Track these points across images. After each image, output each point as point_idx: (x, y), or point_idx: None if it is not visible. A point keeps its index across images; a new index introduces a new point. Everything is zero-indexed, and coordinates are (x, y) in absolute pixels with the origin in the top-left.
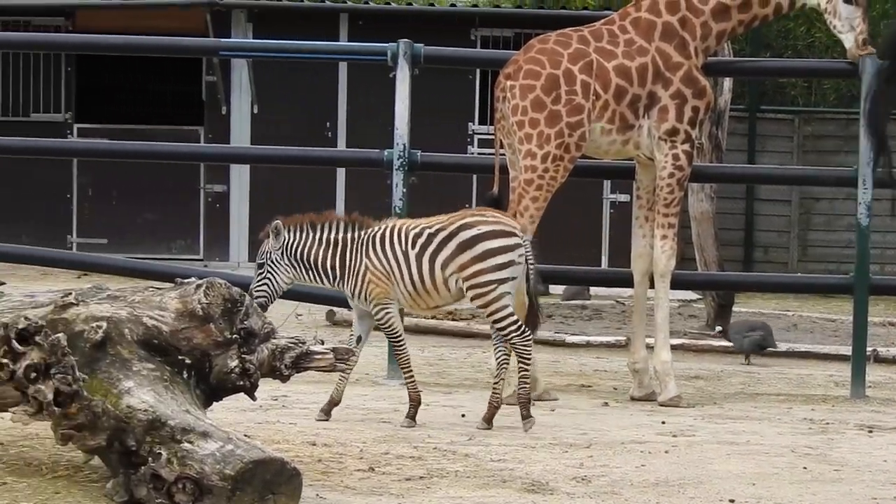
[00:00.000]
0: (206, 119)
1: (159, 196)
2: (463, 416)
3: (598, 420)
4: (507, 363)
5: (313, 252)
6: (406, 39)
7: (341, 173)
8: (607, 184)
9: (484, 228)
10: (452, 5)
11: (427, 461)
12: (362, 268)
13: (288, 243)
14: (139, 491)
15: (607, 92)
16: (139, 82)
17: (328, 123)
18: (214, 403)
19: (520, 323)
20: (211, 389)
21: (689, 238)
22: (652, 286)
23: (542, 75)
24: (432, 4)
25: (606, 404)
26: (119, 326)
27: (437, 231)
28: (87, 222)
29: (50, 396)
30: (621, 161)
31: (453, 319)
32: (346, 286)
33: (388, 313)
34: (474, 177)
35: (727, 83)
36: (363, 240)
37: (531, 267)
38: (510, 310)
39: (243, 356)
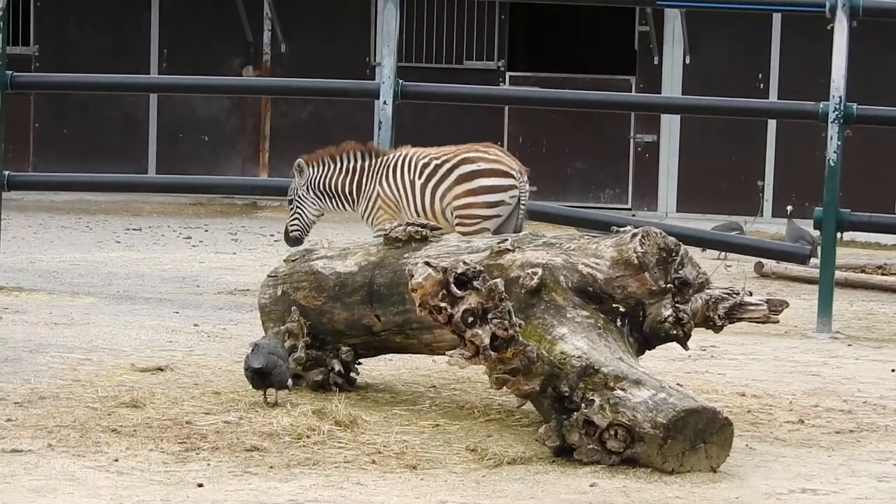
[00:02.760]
0: (637, 69)
1: (589, 145)
2: (893, 370)
3: None
4: None
5: (333, 181)
6: None
7: (772, 125)
8: None
9: (483, 165)
10: None
11: (857, 415)
12: (374, 194)
13: (311, 177)
14: (571, 436)
15: None
16: (571, 32)
17: (760, 75)
18: (645, 352)
19: None
20: (643, 338)
21: None
22: None
23: None
24: None
25: None
26: (554, 273)
27: (443, 162)
28: None
29: (486, 341)
30: None
31: (882, 274)
32: (358, 209)
33: None
34: None
35: None
36: (378, 167)
37: (522, 209)
38: None
39: (677, 305)
